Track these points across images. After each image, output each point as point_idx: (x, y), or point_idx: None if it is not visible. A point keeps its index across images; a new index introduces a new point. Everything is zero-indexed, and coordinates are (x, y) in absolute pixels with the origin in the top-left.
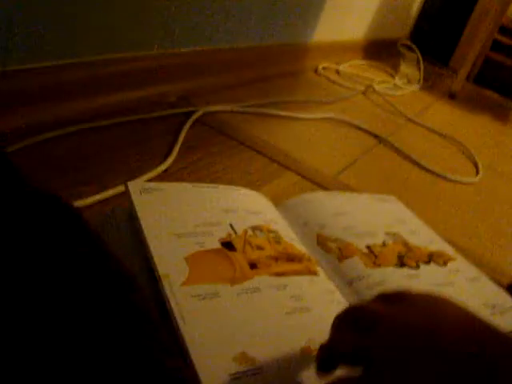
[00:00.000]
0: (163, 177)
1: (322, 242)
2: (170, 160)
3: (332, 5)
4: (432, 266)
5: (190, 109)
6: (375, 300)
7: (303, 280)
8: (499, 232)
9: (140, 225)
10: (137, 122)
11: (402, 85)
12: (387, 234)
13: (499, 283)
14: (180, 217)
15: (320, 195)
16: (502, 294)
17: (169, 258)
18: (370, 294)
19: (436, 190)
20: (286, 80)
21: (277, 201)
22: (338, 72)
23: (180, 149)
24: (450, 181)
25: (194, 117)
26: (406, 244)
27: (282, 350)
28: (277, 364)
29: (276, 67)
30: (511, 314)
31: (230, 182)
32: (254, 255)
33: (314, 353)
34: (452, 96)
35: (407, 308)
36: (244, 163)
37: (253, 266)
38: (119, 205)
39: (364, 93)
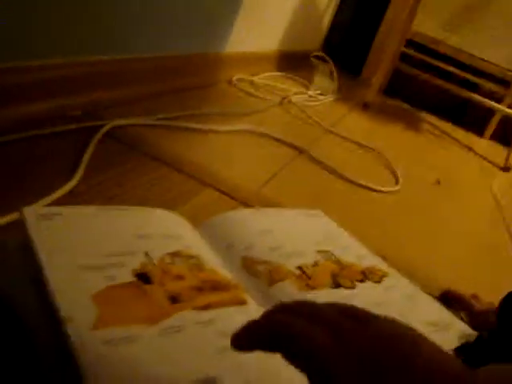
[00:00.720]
0: (68, 199)
1: (248, 266)
2: (75, 180)
3: (244, 15)
4: (367, 284)
5: (98, 123)
6: (335, 309)
7: (232, 312)
8: (425, 242)
9: (37, 257)
10: (36, 138)
11: (316, 96)
12: (318, 252)
13: (432, 295)
14: (85, 246)
15: (243, 213)
16: (440, 309)
17: (73, 296)
18: None
19: (359, 201)
20: (199, 91)
21: (196, 221)
22: (252, 83)
23: (87, 167)
24: (372, 190)
25: (102, 131)
26: (338, 262)
27: None
28: None
29: (188, 78)
30: (455, 329)
31: (144, 202)
32: (174, 287)
33: None
34: (366, 106)
35: (378, 332)
36: (158, 181)
37: (174, 299)
38: (13, 235)
39: (280, 104)
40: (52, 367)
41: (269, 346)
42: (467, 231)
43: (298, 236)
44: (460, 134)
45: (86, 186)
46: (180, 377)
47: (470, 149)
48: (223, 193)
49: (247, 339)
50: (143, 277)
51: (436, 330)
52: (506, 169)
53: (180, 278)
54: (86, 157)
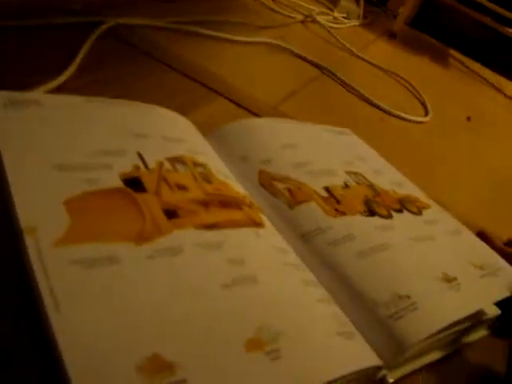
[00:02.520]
0: None
1: (266, 182)
2: (65, 75)
3: None
4: (406, 215)
5: (100, 18)
6: None
7: (245, 234)
8: (456, 177)
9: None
10: (28, 29)
11: (341, 19)
12: (348, 173)
13: None
14: (64, 142)
15: (262, 122)
16: (488, 251)
17: (39, 201)
18: (333, 252)
19: (386, 128)
20: (217, 1)
21: (205, 130)
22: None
23: (82, 63)
24: (401, 119)
25: (104, 27)
26: (371, 186)
27: (217, 347)
28: (209, 370)
29: None
30: (504, 275)
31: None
32: (174, 198)
33: (267, 348)
34: (393, 36)
35: None
36: (166, 85)
37: (171, 214)
38: None
39: (303, 22)
40: (8, 287)
41: None
42: (497, 170)
43: (326, 153)
44: (488, 74)
45: (79, 83)
46: (172, 314)
47: (500, 90)
48: (237, 104)
49: None
50: (134, 182)
51: (483, 275)
52: None
53: (182, 188)
54: (83, 51)
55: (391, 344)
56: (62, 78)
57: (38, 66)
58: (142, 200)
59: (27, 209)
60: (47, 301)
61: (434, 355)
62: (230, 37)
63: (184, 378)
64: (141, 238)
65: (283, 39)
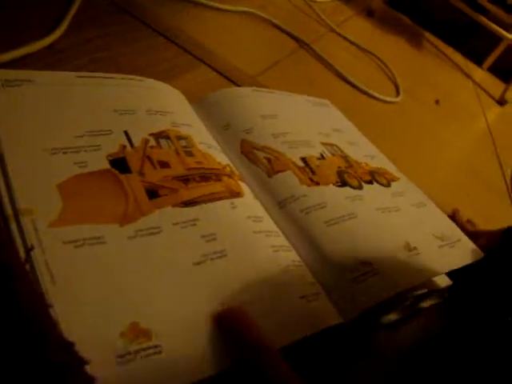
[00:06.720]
0: (46, 55)
1: (247, 151)
2: (57, 34)
3: None
4: (375, 186)
5: None
6: None
7: (221, 208)
8: (420, 159)
9: None
10: None
11: None
12: (324, 144)
13: None
14: (55, 123)
15: (245, 91)
16: (449, 224)
17: (34, 184)
18: (305, 219)
19: (359, 105)
20: None
21: (189, 98)
22: None
23: (71, 23)
24: (373, 98)
25: None
26: (345, 158)
27: (188, 319)
28: (181, 337)
29: None
30: (461, 247)
31: (132, 71)
32: (156, 177)
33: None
34: (370, 13)
35: None
36: (150, 50)
37: (153, 194)
38: None
39: None
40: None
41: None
42: (460, 154)
43: (305, 124)
44: (459, 59)
45: (69, 42)
46: (149, 288)
47: (469, 76)
48: (219, 73)
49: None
50: (120, 163)
51: (441, 245)
52: (501, 102)
53: (164, 165)
54: (72, 11)
55: (352, 304)
56: (53, 37)
57: (28, 22)
58: (126, 181)
59: (24, 191)
60: (44, 274)
61: (392, 316)
62: (213, 4)
63: (158, 344)
64: (124, 219)
65: (263, 9)
